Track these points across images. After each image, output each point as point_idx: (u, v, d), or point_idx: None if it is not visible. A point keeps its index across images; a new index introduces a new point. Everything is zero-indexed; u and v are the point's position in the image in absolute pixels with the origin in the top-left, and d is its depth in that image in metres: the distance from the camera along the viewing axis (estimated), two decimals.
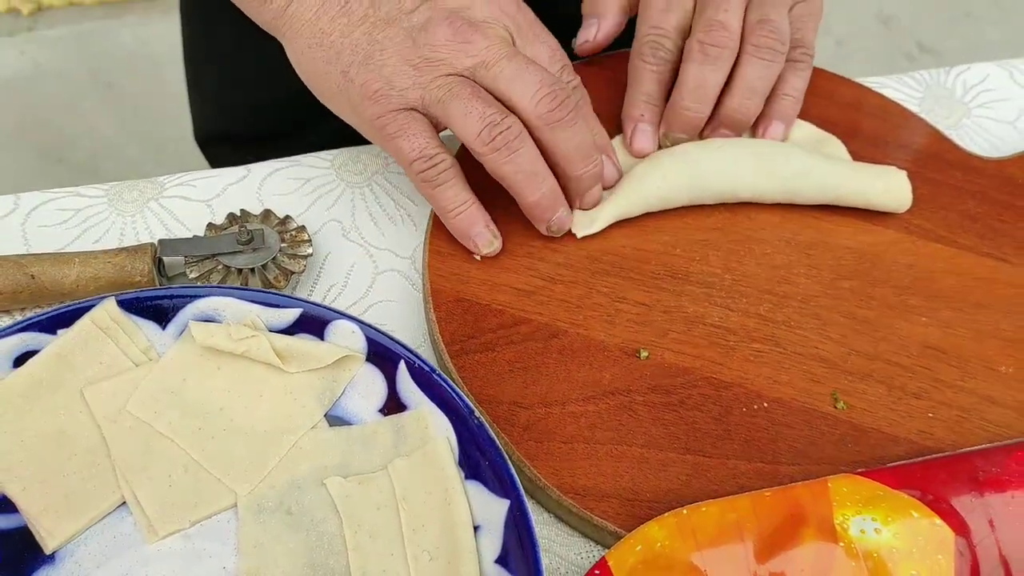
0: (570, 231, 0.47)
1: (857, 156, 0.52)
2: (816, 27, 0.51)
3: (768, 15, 0.48)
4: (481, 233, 0.45)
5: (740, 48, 0.49)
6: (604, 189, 0.47)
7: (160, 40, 1.84)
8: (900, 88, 0.59)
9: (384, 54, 0.43)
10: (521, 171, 0.43)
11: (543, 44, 0.46)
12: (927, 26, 2.00)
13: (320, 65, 0.44)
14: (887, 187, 0.49)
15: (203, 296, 0.41)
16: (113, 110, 1.73)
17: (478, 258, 0.46)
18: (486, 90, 0.43)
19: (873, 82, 0.59)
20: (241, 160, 0.52)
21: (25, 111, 1.71)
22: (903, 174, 0.49)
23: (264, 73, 0.79)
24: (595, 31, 0.52)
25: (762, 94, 0.49)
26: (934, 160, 0.53)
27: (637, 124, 0.49)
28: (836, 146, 0.52)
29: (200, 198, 0.49)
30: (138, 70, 1.79)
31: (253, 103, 0.83)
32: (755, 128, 0.51)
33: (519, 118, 0.43)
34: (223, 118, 0.89)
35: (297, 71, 0.46)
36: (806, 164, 0.48)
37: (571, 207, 0.47)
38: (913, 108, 0.58)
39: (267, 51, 0.79)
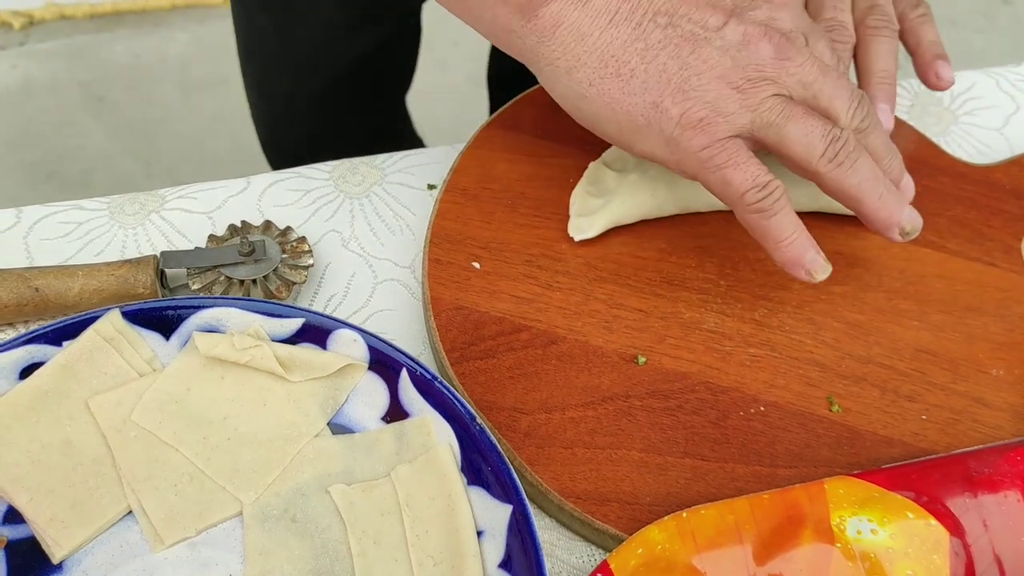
0: (568, 239, 0.48)
1: None
2: (930, 16, 0.53)
3: (876, 1, 0.50)
4: (815, 259, 0.42)
5: (858, 34, 0.50)
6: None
7: (152, 53, 1.84)
8: None
9: (702, 78, 0.40)
10: (865, 179, 0.42)
11: (820, 39, 0.45)
12: None
13: (618, 96, 0.41)
14: None
15: (207, 307, 0.42)
16: (105, 124, 1.73)
17: (476, 266, 0.46)
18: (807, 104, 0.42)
19: None
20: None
21: (17, 125, 1.71)
22: None
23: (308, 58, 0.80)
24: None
25: (895, 58, 0.50)
26: (923, 166, 0.54)
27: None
28: None
29: (201, 210, 0.50)
30: (130, 84, 1.79)
31: (305, 92, 0.85)
32: (925, 75, 0.52)
33: None
34: (282, 113, 0.91)
35: (571, 108, 0.43)
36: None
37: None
38: (902, 116, 0.59)
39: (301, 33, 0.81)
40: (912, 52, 0.51)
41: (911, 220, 0.43)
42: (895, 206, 0.43)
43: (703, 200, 0.49)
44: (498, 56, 0.96)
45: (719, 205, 0.50)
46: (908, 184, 0.46)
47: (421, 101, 1.29)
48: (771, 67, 0.41)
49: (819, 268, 0.42)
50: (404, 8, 0.84)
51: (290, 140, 0.94)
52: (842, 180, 0.42)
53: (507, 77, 0.95)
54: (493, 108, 0.95)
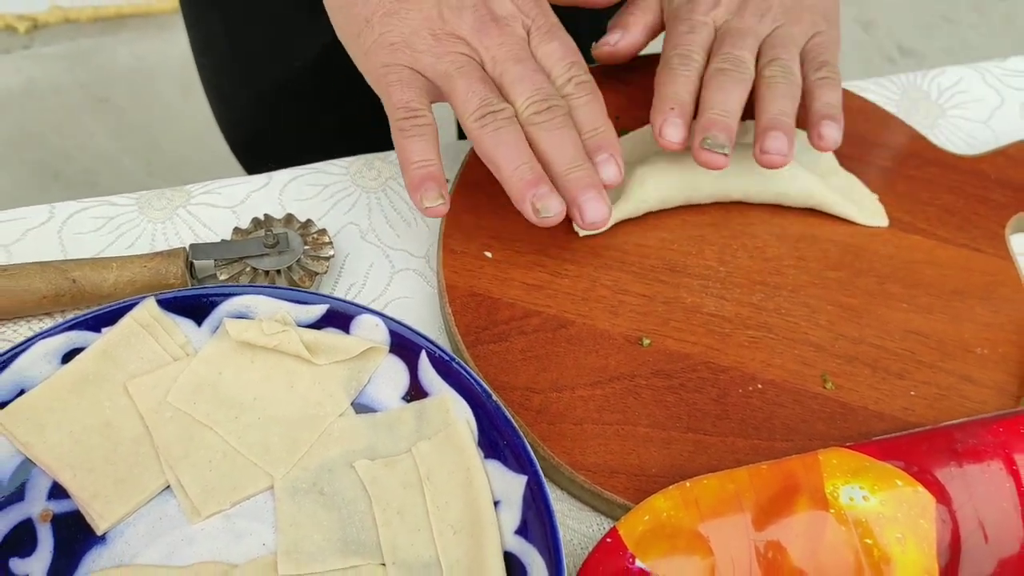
0: (574, 231, 0.50)
1: (841, 155, 0.55)
2: (837, 53, 0.53)
3: (778, 55, 0.51)
4: (431, 188, 0.45)
5: (755, 83, 0.50)
6: (606, 188, 0.47)
7: (155, 56, 1.86)
8: (879, 91, 0.63)
9: (409, 15, 0.47)
10: (502, 144, 0.45)
11: (557, 42, 0.48)
12: (907, 30, 2.04)
13: (347, 7, 0.48)
14: (865, 216, 0.53)
15: (236, 295, 0.44)
16: (109, 125, 1.75)
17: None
18: (491, 79, 0.47)
19: (854, 86, 0.62)
20: (276, 160, 0.54)
21: (22, 127, 1.73)
22: (881, 208, 0.53)
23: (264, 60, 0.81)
24: (617, 38, 0.54)
25: (793, 101, 0.50)
26: (913, 158, 0.56)
27: (667, 116, 0.49)
28: None
29: (225, 204, 0.52)
30: (133, 85, 1.81)
31: (259, 89, 0.84)
32: (810, 135, 0.50)
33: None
34: (241, 115, 0.90)
35: (327, 10, 0.50)
36: (793, 172, 0.52)
37: (572, 216, 0.47)
38: (892, 110, 0.62)
39: (258, 40, 0.80)
40: (806, 111, 0.51)
41: (541, 200, 0.45)
42: (526, 182, 0.45)
43: (705, 192, 0.52)
44: None
45: (718, 198, 0.52)
46: (591, 201, 0.46)
47: None
48: (468, 35, 0.47)
49: (431, 196, 0.45)
50: None
51: (254, 138, 0.92)
52: (481, 140, 0.46)
53: None
54: None
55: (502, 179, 0.46)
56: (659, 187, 0.51)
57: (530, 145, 0.46)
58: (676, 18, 0.53)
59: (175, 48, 1.84)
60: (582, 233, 0.50)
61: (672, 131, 0.48)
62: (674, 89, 0.50)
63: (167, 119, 1.76)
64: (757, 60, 0.51)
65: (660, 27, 0.55)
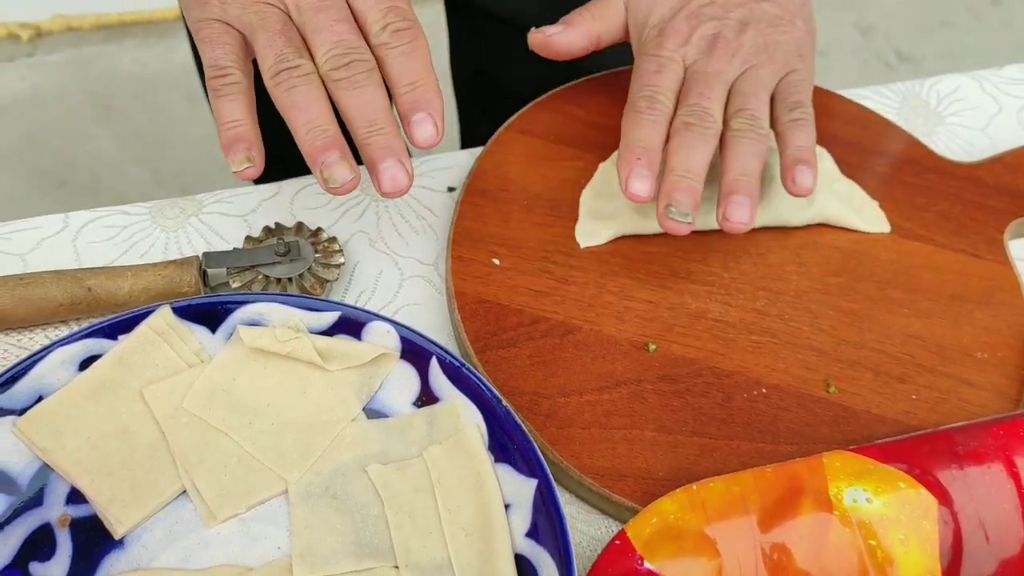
0: (576, 242, 0.51)
1: (842, 162, 0.56)
2: (811, 90, 0.52)
3: (746, 104, 0.49)
4: (239, 150, 0.43)
5: (722, 134, 0.49)
6: (423, 149, 0.45)
7: (158, 63, 1.87)
8: (879, 99, 0.64)
9: None
10: (295, 106, 0.43)
11: (373, 9, 0.45)
12: (905, 35, 2.05)
13: None
14: (868, 223, 0.54)
15: (250, 302, 0.45)
16: (113, 132, 1.76)
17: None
18: (298, 30, 0.45)
19: (853, 94, 0.63)
20: (276, 165, 0.54)
21: (26, 135, 1.74)
22: (882, 214, 0.54)
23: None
24: (556, 32, 0.52)
25: (758, 159, 0.48)
26: (911, 165, 0.57)
27: (633, 168, 0.47)
28: (823, 155, 0.56)
29: (237, 213, 0.53)
30: (137, 93, 1.83)
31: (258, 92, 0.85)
32: (784, 179, 0.50)
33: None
34: None
35: None
36: (791, 201, 0.53)
37: (374, 184, 0.44)
38: (891, 117, 0.63)
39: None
40: (780, 155, 0.50)
41: (330, 168, 0.43)
42: (318, 148, 0.43)
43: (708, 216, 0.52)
44: (458, 60, 0.93)
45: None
46: (392, 170, 0.43)
47: None
48: None
49: (238, 160, 0.43)
50: None
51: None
52: (278, 98, 0.43)
53: (470, 78, 0.93)
54: (460, 110, 0.94)
55: (298, 143, 0.44)
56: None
57: (336, 105, 0.44)
58: (644, 53, 0.51)
59: (178, 55, 1.85)
60: (584, 245, 0.51)
61: (639, 184, 0.47)
62: (640, 134, 0.48)
63: (172, 126, 1.77)
64: (725, 107, 0.50)
65: (610, 41, 0.54)
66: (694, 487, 0.41)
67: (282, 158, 0.59)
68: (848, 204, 0.54)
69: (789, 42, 0.52)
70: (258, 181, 0.54)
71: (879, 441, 0.44)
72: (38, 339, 0.47)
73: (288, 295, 0.45)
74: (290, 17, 0.45)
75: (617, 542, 0.40)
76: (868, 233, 0.54)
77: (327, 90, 0.44)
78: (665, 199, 0.47)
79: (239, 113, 0.44)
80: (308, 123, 0.43)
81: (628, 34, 0.54)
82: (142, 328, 0.44)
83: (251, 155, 0.43)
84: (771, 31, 0.51)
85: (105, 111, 1.79)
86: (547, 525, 0.39)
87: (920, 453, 0.43)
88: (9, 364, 0.46)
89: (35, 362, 0.42)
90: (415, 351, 0.44)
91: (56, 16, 1.91)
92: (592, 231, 0.51)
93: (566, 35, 0.53)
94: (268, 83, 0.44)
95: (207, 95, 0.45)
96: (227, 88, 0.44)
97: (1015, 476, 0.42)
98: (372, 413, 0.45)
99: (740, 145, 0.48)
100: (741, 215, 0.47)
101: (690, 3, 0.52)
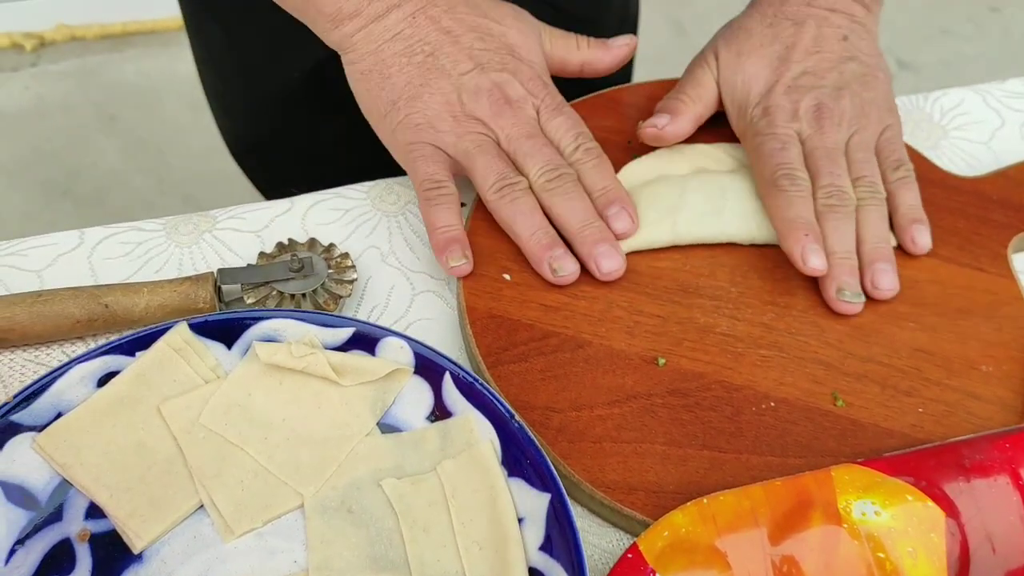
0: None
1: None
2: (903, 143, 0.57)
3: (862, 172, 0.54)
4: (455, 250, 0.50)
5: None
6: (619, 239, 0.51)
7: (161, 72, 1.88)
8: None
9: (432, 98, 0.52)
10: (519, 212, 0.50)
11: (563, 116, 0.53)
12: (905, 43, 2.07)
13: (375, 89, 0.53)
14: None
15: (265, 319, 0.45)
16: (117, 142, 1.77)
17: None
18: (507, 155, 0.52)
19: None
20: (276, 168, 0.56)
21: (31, 145, 1.75)
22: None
23: (262, 69, 0.83)
24: (665, 123, 0.56)
25: (884, 222, 0.54)
26: (917, 180, 0.58)
27: (805, 245, 0.50)
28: None
29: (250, 229, 0.54)
30: (140, 102, 1.84)
31: (260, 98, 0.86)
32: (902, 240, 0.54)
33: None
34: (242, 122, 0.92)
35: (352, 87, 0.54)
36: None
37: (590, 269, 0.51)
38: None
39: (258, 49, 0.82)
40: (892, 213, 0.54)
41: (558, 261, 0.50)
42: (543, 246, 0.50)
43: (714, 240, 0.53)
44: None
45: (731, 239, 0.54)
46: (606, 254, 0.50)
47: None
48: (485, 117, 0.52)
49: (455, 257, 0.50)
50: None
51: (256, 148, 0.93)
52: (500, 208, 0.51)
53: None
54: None
55: (521, 244, 0.51)
56: (673, 232, 0.52)
57: (545, 211, 0.51)
58: (758, 133, 0.55)
59: (181, 64, 1.86)
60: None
61: (816, 260, 0.50)
62: (797, 212, 0.52)
63: (176, 135, 1.77)
64: None
65: (708, 118, 0.58)
66: (705, 500, 0.42)
67: (289, 181, 0.61)
68: None
69: (879, 98, 0.56)
70: (281, 196, 0.56)
71: (887, 454, 0.44)
72: (55, 355, 0.48)
73: (304, 311, 0.46)
74: (499, 145, 0.52)
75: (629, 555, 0.40)
76: None
77: (540, 201, 0.51)
78: (835, 282, 0.51)
79: (453, 219, 0.51)
80: (531, 227, 0.50)
81: (721, 107, 0.58)
82: (159, 345, 0.44)
83: (466, 253, 0.50)
84: (862, 91, 0.56)
85: (109, 121, 1.80)
86: (560, 539, 0.40)
87: (927, 466, 0.44)
88: (28, 380, 0.47)
89: (54, 379, 0.43)
90: (429, 366, 0.45)
91: (60, 26, 1.92)
92: None
93: (676, 125, 0.56)
94: (491, 197, 0.51)
95: (420, 204, 0.52)
96: (442, 198, 0.51)
97: (1021, 488, 0.43)
98: (386, 428, 0.45)
99: (868, 213, 0.53)
100: (889, 282, 0.52)
101: (784, 75, 0.56)
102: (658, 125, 0.56)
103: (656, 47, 1.86)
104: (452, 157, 0.52)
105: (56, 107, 1.82)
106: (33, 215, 1.63)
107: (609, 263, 0.50)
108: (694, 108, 0.57)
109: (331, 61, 0.79)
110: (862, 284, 0.51)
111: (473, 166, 0.51)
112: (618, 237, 0.51)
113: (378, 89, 0.52)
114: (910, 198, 0.55)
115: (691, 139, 0.58)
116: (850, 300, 0.51)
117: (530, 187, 0.51)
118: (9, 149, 1.74)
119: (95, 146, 1.76)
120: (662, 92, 0.60)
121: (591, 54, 0.57)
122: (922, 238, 0.54)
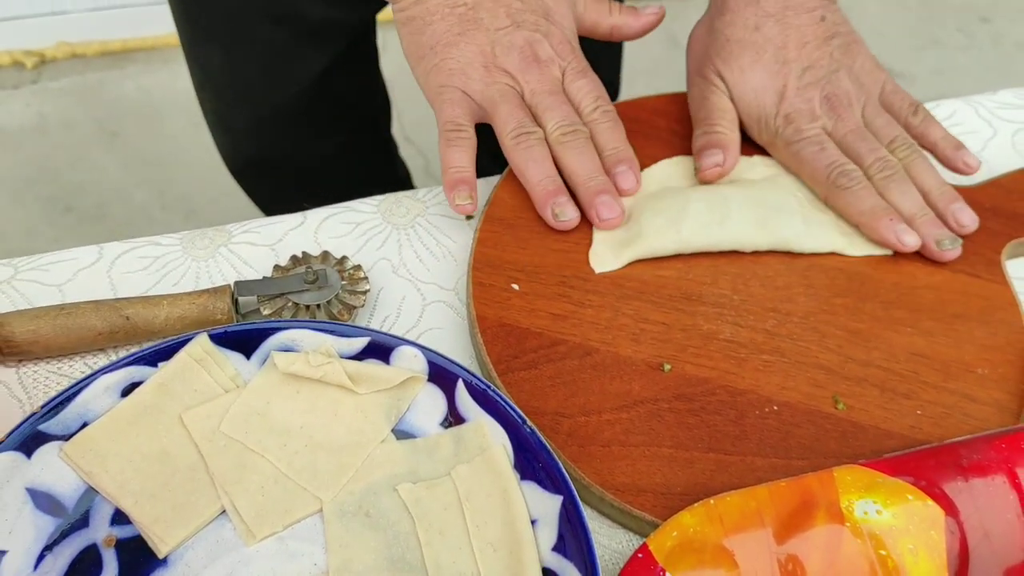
0: (591, 267, 0.53)
1: None
2: (900, 88, 0.60)
3: (892, 134, 0.58)
4: (463, 189, 0.53)
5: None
6: (624, 195, 0.55)
7: (162, 89, 1.90)
8: None
9: (468, 47, 0.56)
10: (531, 159, 0.54)
11: (586, 79, 0.57)
12: (897, 54, 2.09)
13: (415, 33, 0.57)
14: (870, 247, 0.56)
15: (283, 329, 0.47)
16: (119, 158, 1.78)
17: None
18: (528, 107, 0.56)
19: None
20: (275, 185, 0.58)
21: (33, 162, 1.76)
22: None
23: (260, 87, 0.85)
24: (721, 160, 0.57)
25: (935, 171, 0.57)
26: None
27: (896, 229, 0.54)
28: None
29: (264, 243, 0.55)
30: (142, 118, 1.85)
31: (258, 116, 0.88)
32: (953, 165, 0.58)
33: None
34: (240, 141, 0.94)
35: (397, 31, 0.58)
36: (799, 230, 0.55)
37: (590, 217, 0.54)
38: None
39: (254, 67, 0.84)
40: (931, 150, 0.58)
41: (560, 207, 0.53)
42: (550, 191, 0.54)
43: (717, 248, 0.54)
44: None
45: (736, 247, 0.55)
46: (607, 205, 0.54)
47: (423, 131, 1.34)
48: (513, 70, 0.56)
49: (463, 195, 0.53)
50: (343, 33, 0.85)
51: (254, 162, 0.95)
52: (514, 154, 0.55)
53: None
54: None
55: (529, 188, 0.55)
56: (677, 239, 0.54)
57: (557, 163, 0.55)
58: (790, 142, 0.58)
59: (182, 81, 1.87)
60: (598, 271, 0.53)
61: (910, 238, 0.54)
62: (869, 203, 0.55)
63: (177, 151, 1.79)
64: None
65: None
66: (712, 501, 0.43)
67: (287, 197, 0.63)
68: (840, 231, 0.56)
69: (865, 62, 0.60)
70: (281, 211, 0.57)
71: (887, 455, 0.45)
72: (78, 367, 0.49)
73: (320, 322, 0.47)
74: (522, 98, 0.56)
75: (640, 555, 0.42)
76: (872, 256, 0.56)
77: (552, 153, 0.55)
78: (930, 239, 0.55)
79: (465, 161, 0.54)
80: (540, 174, 0.54)
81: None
82: (181, 355, 0.46)
83: (472, 195, 0.53)
84: (851, 63, 0.59)
85: (110, 137, 1.81)
86: (573, 539, 0.41)
87: (927, 466, 0.45)
88: (51, 392, 0.48)
89: (80, 389, 0.44)
90: (442, 374, 0.46)
91: (60, 43, 1.93)
92: (606, 257, 0.54)
93: (733, 157, 0.59)
94: (508, 143, 0.55)
95: (439, 143, 0.55)
96: (459, 140, 0.54)
97: (1018, 487, 0.44)
98: (401, 434, 0.46)
99: (917, 167, 0.57)
100: (968, 217, 0.56)
101: (789, 78, 0.58)
102: (720, 163, 0.58)
103: (651, 59, 1.88)
104: (478, 103, 0.55)
105: (57, 124, 1.83)
106: (36, 231, 1.64)
107: (608, 211, 0.53)
108: (735, 134, 0.59)
109: (327, 77, 0.82)
110: (948, 228, 0.55)
111: (496, 112, 0.55)
112: (622, 194, 0.55)
113: (419, 34, 0.56)
114: (940, 131, 0.59)
115: (690, 152, 0.59)
116: (951, 248, 0.54)
117: (545, 139, 0.55)
118: (11, 166, 1.75)
119: (97, 162, 1.77)
120: (662, 105, 0.61)
121: (622, 19, 0.61)
122: (971, 158, 0.58)
